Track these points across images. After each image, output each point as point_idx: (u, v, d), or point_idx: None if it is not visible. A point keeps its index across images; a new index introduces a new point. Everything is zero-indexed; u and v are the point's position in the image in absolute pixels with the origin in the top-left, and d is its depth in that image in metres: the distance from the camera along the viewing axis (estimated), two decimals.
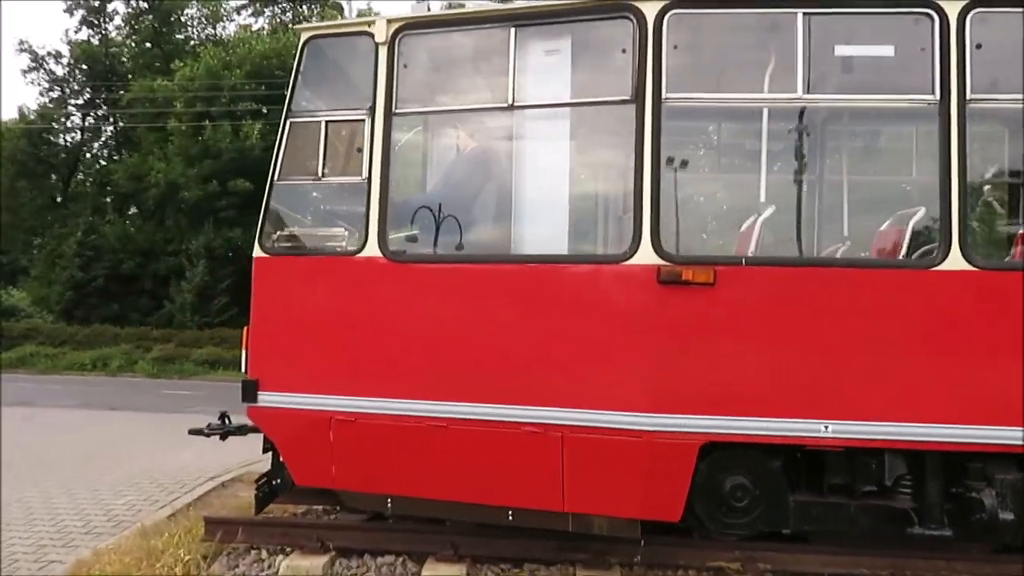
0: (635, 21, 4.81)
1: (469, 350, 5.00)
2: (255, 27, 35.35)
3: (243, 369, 5.53)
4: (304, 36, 5.44)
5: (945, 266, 4.53)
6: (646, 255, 4.68)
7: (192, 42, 35.31)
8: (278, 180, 5.44)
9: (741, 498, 4.93)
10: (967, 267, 4.50)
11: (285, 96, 5.47)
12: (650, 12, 4.78)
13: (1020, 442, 4.42)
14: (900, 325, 4.56)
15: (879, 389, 4.56)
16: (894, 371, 4.55)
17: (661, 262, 4.66)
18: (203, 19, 36.13)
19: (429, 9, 5.33)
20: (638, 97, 4.77)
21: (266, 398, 5.35)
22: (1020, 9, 4.61)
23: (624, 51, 4.86)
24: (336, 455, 5.25)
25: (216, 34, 36.04)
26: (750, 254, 4.94)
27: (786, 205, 5.72)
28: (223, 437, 6.26)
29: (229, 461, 8.95)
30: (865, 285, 4.63)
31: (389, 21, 5.24)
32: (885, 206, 5.46)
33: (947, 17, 4.62)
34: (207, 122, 28.42)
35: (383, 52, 5.21)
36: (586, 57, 5.06)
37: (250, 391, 5.38)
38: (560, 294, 4.87)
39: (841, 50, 4.81)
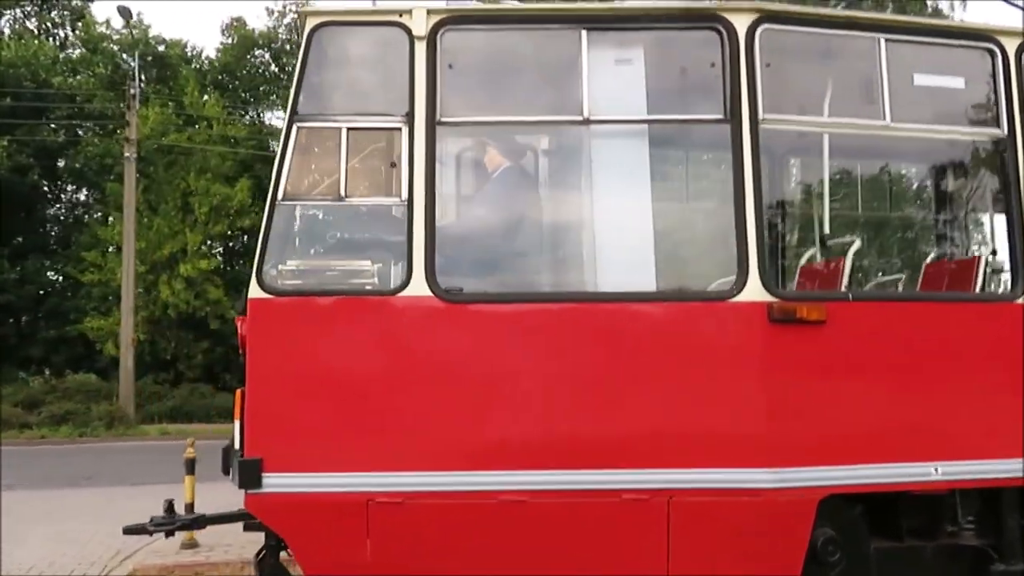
0: (725, 34, 4.36)
1: (551, 407, 4.20)
2: None
3: (237, 446, 4.25)
4: (311, 23, 4.35)
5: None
6: (755, 291, 4.21)
7: None
8: (283, 200, 4.27)
9: (832, 552, 4.56)
10: None
11: (288, 95, 4.34)
12: (741, 25, 4.36)
13: None
14: (994, 360, 4.49)
15: (980, 426, 4.45)
16: (993, 407, 4.46)
17: (772, 299, 4.21)
18: None
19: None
20: (734, 117, 4.31)
21: (274, 481, 4.12)
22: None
23: (713, 65, 4.38)
24: (375, 547, 4.15)
25: None
26: (843, 289, 4.65)
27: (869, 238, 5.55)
28: (170, 534, 4.82)
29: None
30: (959, 320, 4.52)
31: (429, 12, 4.33)
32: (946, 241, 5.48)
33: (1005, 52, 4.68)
34: None
35: (421, 48, 4.29)
36: (663, 69, 4.52)
37: (251, 474, 4.11)
38: (658, 337, 4.24)
39: (921, 80, 4.70)
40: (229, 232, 25.85)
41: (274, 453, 4.14)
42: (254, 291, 4.21)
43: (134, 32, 25.43)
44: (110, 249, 24.66)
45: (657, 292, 4.42)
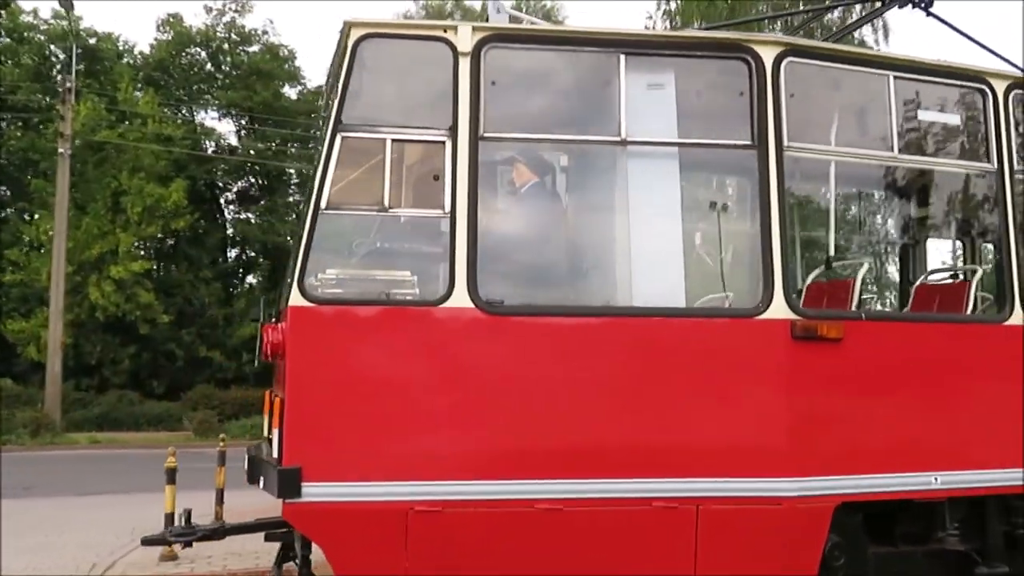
0: (752, 64, 4.60)
1: (586, 417, 4.32)
2: None
3: (276, 455, 4.22)
4: (355, 34, 4.38)
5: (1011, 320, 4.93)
6: (779, 309, 4.44)
7: None
8: (326, 209, 4.29)
9: (838, 557, 4.83)
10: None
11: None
12: (768, 57, 4.60)
13: None
14: (988, 376, 4.85)
15: (976, 438, 4.79)
16: (987, 420, 4.81)
17: (795, 316, 4.46)
18: None
19: (508, 19, 4.63)
20: (760, 143, 4.55)
21: (315, 491, 4.12)
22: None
23: (742, 94, 4.62)
24: (413, 555, 4.19)
25: None
26: (854, 309, 4.93)
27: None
28: (188, 544, 4.73)
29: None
30: (956, 338, 4.86)
31: (474, 29, 4.43)
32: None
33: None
34: None
35: (465, 64, 4.38)
36: (693, 95, 4.73)
37: (291, 483, 4.10)
38: (689, 351, 4.43)
39: (925, 116, 5.05)
40: (162, 234, 25.02)
41: (314, 462, 4.14)
42: (296, 299, 4.21)
43: (71, 23, 24.39)
44: (32, 248, 23.56)
45: (688, 308, 4.61)
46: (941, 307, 5.35)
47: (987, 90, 5.08)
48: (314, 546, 4.74)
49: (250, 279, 29.85)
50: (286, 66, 29.68)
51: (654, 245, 4.58)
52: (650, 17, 24.34)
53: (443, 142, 4.35)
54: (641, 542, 4.33)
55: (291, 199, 31.24)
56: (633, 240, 4.58)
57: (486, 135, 4.39)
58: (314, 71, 36.82)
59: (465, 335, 4.28)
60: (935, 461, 4.72)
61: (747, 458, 4.41)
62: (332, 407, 4.21)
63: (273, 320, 4.80)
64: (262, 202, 29.30)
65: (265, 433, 5.58)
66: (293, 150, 30.51)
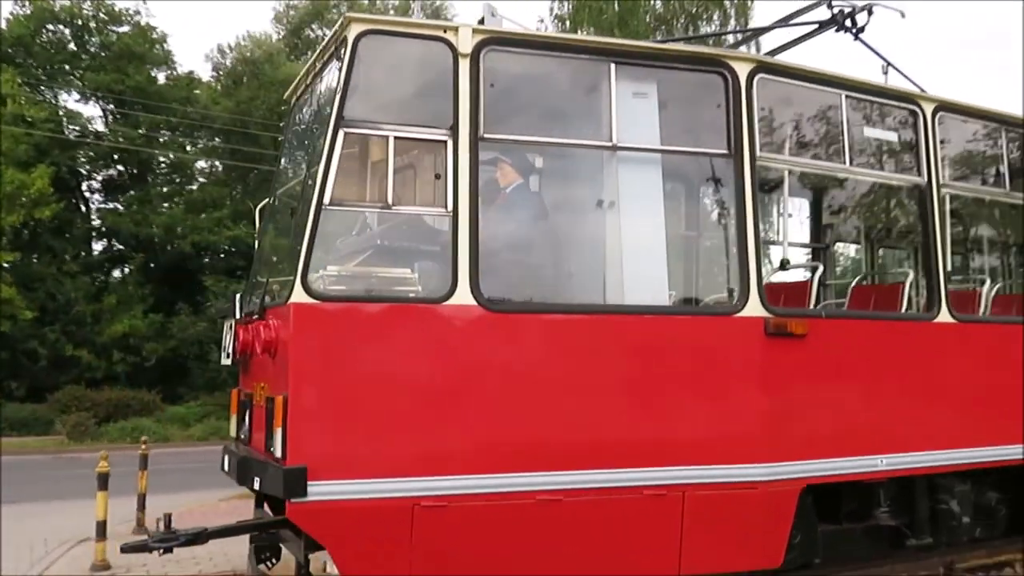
0: (729, 78, 4.91)
1: (582, 410, 4.49)
2: None
3: (279, 453, 4.14)
4: (355, 30, 4.35)
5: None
6: (754, 308, 4.78)
7: None
8: (329, 204, 4.24)
9: (795, 535, 5.23)
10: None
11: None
12: (742, 72, 4.93)
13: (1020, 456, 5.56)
14: (921, 366, 5.40)
15: (912, 423, 5.33)
16: (921, 406, 5.36)
17: (768, 314, 4.81)
18: None
19: (501, 24, 4.73)
20: (736, 153, 4.87)
21: (320, 489, 4.08)
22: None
23: (719, 106, 4.92)
24: (417, 550, 4.23)
25: None
26: (811, 307, 5.35)
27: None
28: (169, 550, 4.55)
29: None
30: (897, 334, 5.38)
31: (474, 31, 4.50)
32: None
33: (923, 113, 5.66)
34: None
35: (465, 65, 4.45)
36: (674, 105, 4.98)
37: (297, 483, 4.04)
38: (675, 346, 4.70)
39: (869, 133, 5.54)
40: (24, 224, 23.18)
41: (320, 460, 4.10)
42: (299, 296, 4.14)
43: None
44: None
45: (675, 307, 4.87)
46: (876, 306, 5.89)
47: (918, 111, 5.64)
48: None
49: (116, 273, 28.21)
50: (156, 49, 28.27)
51: (642, 246, 4.81)
52: (541, 20, 24.77)
53: (444, 141, 4.39)
54: (633, 528, 4.55)
55: (165, 189, 29.79)
56: (624, 241, 4.79)
57: (486, 136, 4.47)
58: (185, 56, 35.17)
59: (468, 332, 4.35)
60: (881, 445, 5.21)
61: (726, 446, 4.72)
62: (336, 405, 4.17)
63: (255, 317, 4.68)
64: (131, 192, 27.70)
65: (233, 433, 5.43)
66: (165, 138, 29.10)
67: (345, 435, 4.17)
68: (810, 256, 7.49)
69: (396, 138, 4.34)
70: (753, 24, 27.52)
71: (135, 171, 27.99)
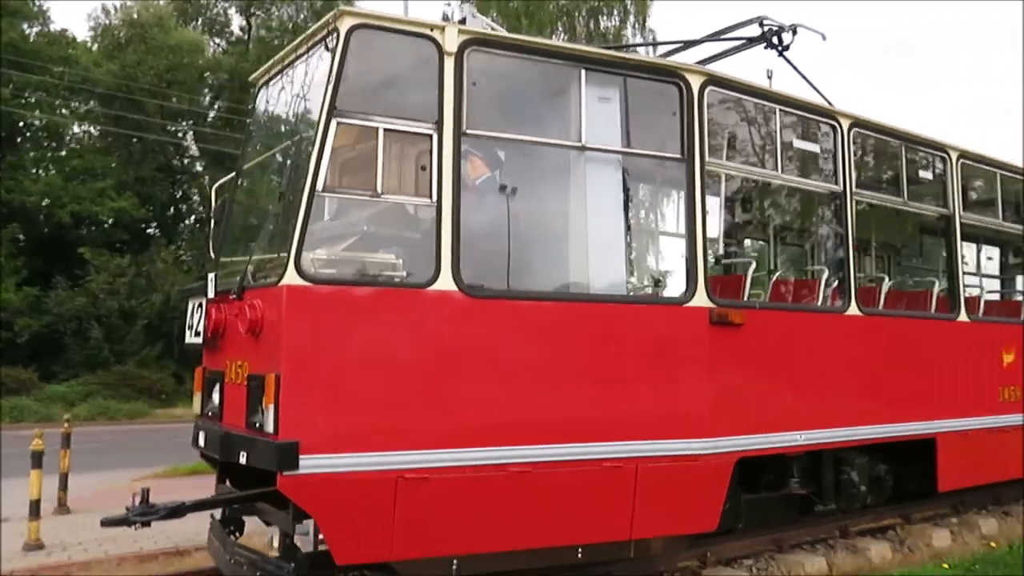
0: (683, 88, 5.38)
1: (552, 389, 4.87)
2: None
3: (270, 429, 4.29)
4: (347, 23, 4.52)
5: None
6: (701, 298, 5.29)
7: None
8: (322, 191, 4.41)
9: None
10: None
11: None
12: (695, 83, 5.41)
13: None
14: (836, 352, 6.11)
15: (828, 403, 6.01)
16: (836, 389, 6.06)
17: (712, 305, 5.33)
18: None
19: (483, 26, 5.00)
20: (689, 157, 5.35)
21: (312, 463, 4.28)
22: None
23: (674, 114, 5.38)
24: (400, 520, 4.49)
25: None
26: (745, 299, 5.91)
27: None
28: (147, 524, 4.62)
29: None
30: (815, 324, 6.05)
31: (459, 31, 4.75)
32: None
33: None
34: None
35: (449, 63, 4.70)
36: (635, 111, 5.38)
37: (289, 456, 4.23)
38: (632, 332, 5.13)
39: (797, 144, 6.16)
40: None
41: (311, 435, 4.29)
42: (291, 278, 4.30)
43: None
44: None
45: (631, 295, 5.31)
46: (795, 299, 6.56)
47: (836, 125, 6.32)
48: None
49: None
50: (30, 3, 26.54)
51: (606, 239, 5.22)
52: (448, 4, 24.86)
53: (430, 135, 4.63)
54: (593, 497, 4.97)
55: (33, 154, 28.01)
56: (590, 234, 5.18)
57: (468, 132, 4.74)
58: (63, 15, 33.04)
59: (448, 316, 4.62)
60: (800, 422, 5.86)
61: (674, 423, 5.21)
62: (326, 383, 4.37)
63: (232, 297, 4.78)
64: (3, 156, 25.91)
65: (197, 410, 5.49)
66: (38, 98, 27.35)
67: (334, 411, 4.37)
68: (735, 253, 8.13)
69: (386, 130, 4.55)
70: (651, 23, 28.78)
71: (3, 134, 26.18)
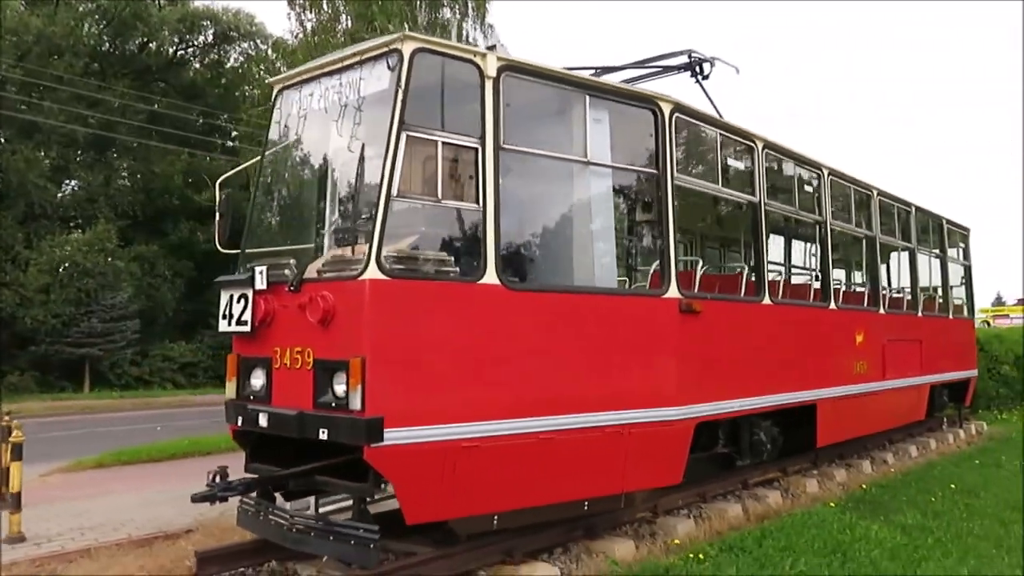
0: (657, 113, 6.43)
1: (571, 368, 5.75)
2: None
3: (357, 406, 4.82)
4: (410, 46, 5.13)
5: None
6: (673, 291, 6.38)
7: None
8: (397, 196, 4.99)
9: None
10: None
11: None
12: (666, 110, 6.48)
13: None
14: (761, 332, 7.46)
15: (752, 376, 7.34)
16: (757, 363, 7.41)
17: (681, 296, 6.43)
18: None
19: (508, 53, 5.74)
20: (662, 172, 6.42)
21: (395, 435, 4.89)
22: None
23: (651, 135, 6.41)
24: (456, 483, 5.20)
25: None
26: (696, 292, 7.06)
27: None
28: (222, 500, 4.98)
29: None
30: (744, 311, 7.36)
31: (498, 58, 5.47)
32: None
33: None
34: None
35: (489, 85, 5.43)
36: (621, 131, 6.33)
37: (374, 430, 4.82)
38: (625, 319, 6.12)
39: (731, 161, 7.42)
40: None
41: (393, 411, 4.90)
42: (373, 273, 4.87)
43: None
44: None
45: (626, 288, 6.29)
46: (721, 290, 7.85)
47: (754, 146, 7.66)
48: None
49: None
50: None
51: (602, 240, 6.17)
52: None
53: (476, 148, 5.34)
54: (598, 457, 5.93)
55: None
56: (594, 236, 6.11)
57: (504, 146, 5.48)
58: None
59: (492, 307, 5.36)
60: (737, 392, 7.15)
61: (653, 394, 6.27)
62: (401, 364, 4.97)
63: (290, 288, 5.22)
64: None
65: (232, 394, 5.80)
66: None
67: (408, 390, 4.99)
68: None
69: (443, 143, 5.20)
70: (490, 18, 30.06)
71: None
